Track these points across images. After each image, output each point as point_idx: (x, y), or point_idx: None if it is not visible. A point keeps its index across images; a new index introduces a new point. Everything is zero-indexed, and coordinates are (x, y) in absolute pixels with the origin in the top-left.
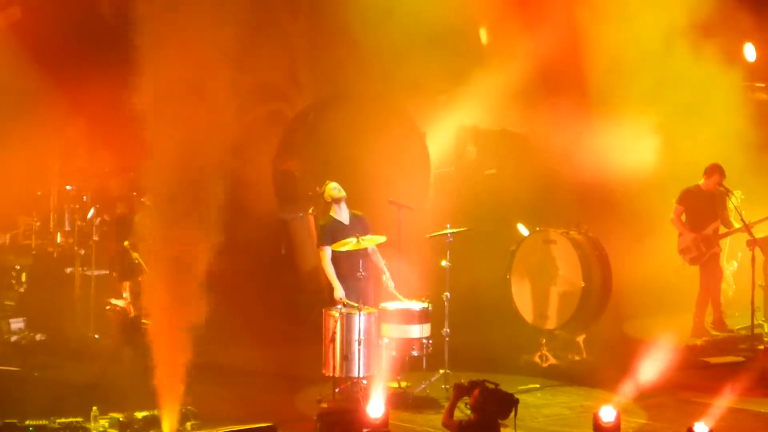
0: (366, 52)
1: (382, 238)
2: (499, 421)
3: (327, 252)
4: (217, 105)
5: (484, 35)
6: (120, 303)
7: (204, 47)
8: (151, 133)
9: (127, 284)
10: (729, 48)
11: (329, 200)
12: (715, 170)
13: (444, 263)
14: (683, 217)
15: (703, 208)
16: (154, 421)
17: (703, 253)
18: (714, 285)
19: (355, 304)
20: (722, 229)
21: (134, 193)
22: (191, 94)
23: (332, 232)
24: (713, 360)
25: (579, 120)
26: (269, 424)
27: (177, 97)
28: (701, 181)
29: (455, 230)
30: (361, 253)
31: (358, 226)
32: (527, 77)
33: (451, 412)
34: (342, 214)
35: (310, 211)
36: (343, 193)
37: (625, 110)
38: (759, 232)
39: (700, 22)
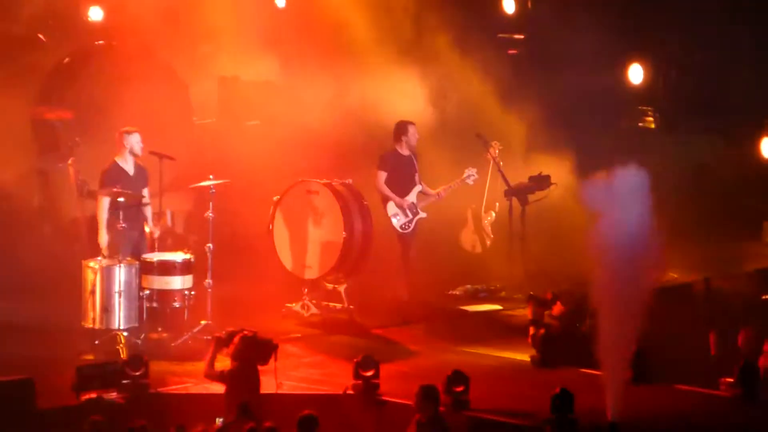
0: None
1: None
2: (260, 366)
3: (105, 201)
4: None
5: None
6: None
7: None
8: None
9: None
10: None
11: (124, 144)
12: (399, 130)
13: (207, 214)
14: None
15: (404, 173)
16: None
17: (411, 220)
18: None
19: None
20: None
21: None
22: None
23: (114, 179)
24: (471, 308)
25: (342, 71)
26: (26, 378)
27: None
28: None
29: (217, 182)
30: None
31: (141, 177)
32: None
33: (211, 362)
34: (128, 164)
35: (70, 161)
36: (140, 145)
37: (388, 60)
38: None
39: None
